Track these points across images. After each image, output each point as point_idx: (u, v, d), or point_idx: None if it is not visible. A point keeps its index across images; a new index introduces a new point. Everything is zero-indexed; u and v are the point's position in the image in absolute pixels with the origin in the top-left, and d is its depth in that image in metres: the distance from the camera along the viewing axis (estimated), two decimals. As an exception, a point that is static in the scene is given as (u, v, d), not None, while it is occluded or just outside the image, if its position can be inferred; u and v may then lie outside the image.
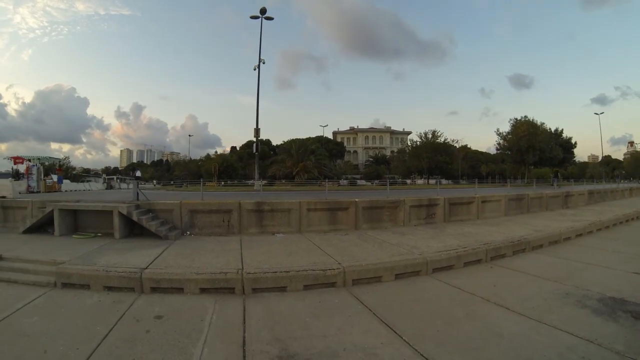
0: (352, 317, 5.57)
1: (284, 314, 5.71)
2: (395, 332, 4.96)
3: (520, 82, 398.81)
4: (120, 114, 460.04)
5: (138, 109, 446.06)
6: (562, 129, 66.71)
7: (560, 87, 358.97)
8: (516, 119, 57.29)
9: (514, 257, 9.61)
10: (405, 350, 4.45)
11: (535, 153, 54.20)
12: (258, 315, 5.66)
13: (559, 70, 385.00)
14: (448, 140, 73.38)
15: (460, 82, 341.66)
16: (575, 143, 70.26)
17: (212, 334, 4.98)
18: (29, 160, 28.86)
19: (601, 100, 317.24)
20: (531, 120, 56.06)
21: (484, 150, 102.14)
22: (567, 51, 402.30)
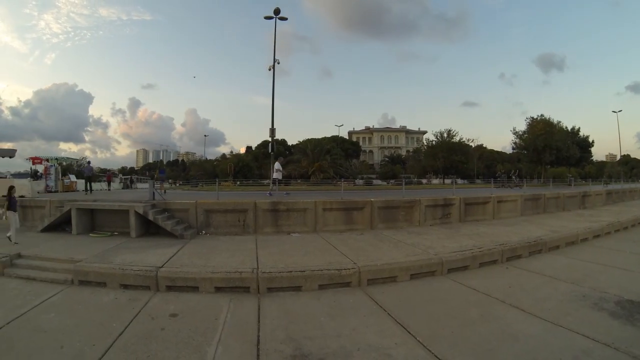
0: (366, 317, 5.56)
1: (298, 313, 5.73)
2: (410, 333, 4.94)
3: (549, 62, 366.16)
4: (127, 112, 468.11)
5: (138, 105, 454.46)
6: (579, 128, 65.48)
7: (595, 69, 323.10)
8: (532, 117, 56.46)
9: (530, 258, 9.51)
10: (420, 351, 4.43)
11: (551, 152, 53.00)
12: (273, 314, 5.68)
13: (596, 47, 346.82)
14: (463, 139, 73.04)
15: (477, 67, 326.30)
16: (593, 142, 69.04)
17: (227, 332, 5.01)
18: (47, 161, 29.38)
19: (638, 88, 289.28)
20: (548, 119, 55.42)
21: (499, 149, 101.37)
22: (609, 22, 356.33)
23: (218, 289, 6.73)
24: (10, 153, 21.92)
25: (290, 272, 6.97)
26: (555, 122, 55.48)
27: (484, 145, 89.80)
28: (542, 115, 55.70)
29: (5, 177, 22.29)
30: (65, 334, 4.89)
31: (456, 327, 5.11)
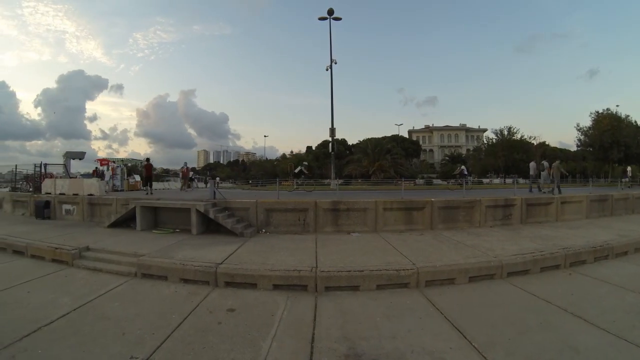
0: (423, 319, 5.54)
1: (355, 313, 5.79)
2: (465, 338, 4.86)
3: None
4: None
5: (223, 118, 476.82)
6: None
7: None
8: (597, 112, 53.53)
9: (595, 264, 8.99)
10: (475, 358, 4.35)
11: (619, 149, 49.84)
12: (329, 313, 5.79)
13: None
14: (525, 137, 70.88)
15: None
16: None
17: (282, 329, 5.17)
18: (114, 162, 31.69)
19: None
20: (614, 113, 52.05)
21: (562, 147, 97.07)
22: None
23: (276, 287, 6.94)
24: (80, 155, 24.00)
25: (349, 271, 7.05)
26: (623, 116, 51.97)
27: (547, 143, 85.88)
28: (608, 109, 52.57)
29: (76, 177, 24.08)
30: (127, 322, 5.32)
31: (514, 335, 4.96)
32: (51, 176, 21.50)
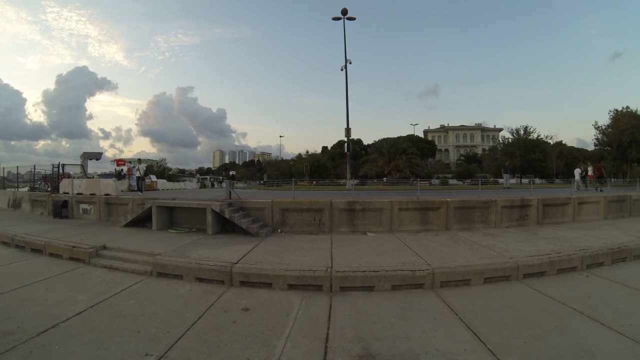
0: (437, 320, 5.51)
1: (369, 313, 5.79)
2: (480, 340, 4.81)
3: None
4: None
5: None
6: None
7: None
8: (616, 110, 52.64)
9: (613, 267, 8.82)
10: (488, 360, 4.33)
11: (638, 148, 49.07)
12: (344, 313, 5.80)
13: None
14: (541, 136, 70.79)
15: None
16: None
17: (297, 328, 5.19)
18: (130, 162, 32.20)
19: None
20: (634, 111, 51.06)
21: (580, 146, 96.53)
22: None
23: (291, 286, 6.99)
24: (97, 156, 24.48)
25: (364, 271, 7.05)
26: None
27: (564, 142, 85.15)
28: (627, 107, 51.56)
29: (93, 177, 24.48)
30: (142, 320, 5.40)
31: (529, 337, 4.89)
32: (69, 176, 21.85)
